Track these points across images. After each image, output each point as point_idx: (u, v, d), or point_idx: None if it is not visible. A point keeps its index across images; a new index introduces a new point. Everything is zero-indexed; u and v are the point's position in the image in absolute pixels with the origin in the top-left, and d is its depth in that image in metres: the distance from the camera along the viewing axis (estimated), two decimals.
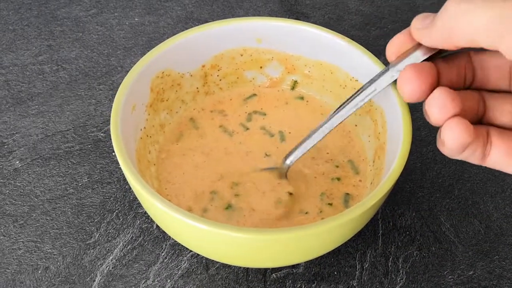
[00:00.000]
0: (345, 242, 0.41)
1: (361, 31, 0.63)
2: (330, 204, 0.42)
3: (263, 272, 0.43)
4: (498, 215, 0.47)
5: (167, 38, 0.45)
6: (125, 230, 0.45)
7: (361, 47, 0.45)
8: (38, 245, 0.44)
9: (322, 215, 0.41)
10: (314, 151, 0.45)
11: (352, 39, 0.46)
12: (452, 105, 0.31)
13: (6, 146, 0.50)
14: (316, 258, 0.43)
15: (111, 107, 0.41)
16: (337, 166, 0.45)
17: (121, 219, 0.46)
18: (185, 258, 0.43)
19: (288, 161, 0.42)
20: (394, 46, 0.36)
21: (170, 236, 0.44)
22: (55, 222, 0.45)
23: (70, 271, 0.42)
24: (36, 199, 0.47)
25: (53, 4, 0.65)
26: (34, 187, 0.48)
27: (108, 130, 0.52)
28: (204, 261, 0.43)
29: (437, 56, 0.36)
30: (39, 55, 0.59)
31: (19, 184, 0.48)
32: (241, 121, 0.48)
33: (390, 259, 0.44)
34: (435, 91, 0.32)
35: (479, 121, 0.36)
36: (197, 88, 0.48)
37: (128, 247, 0.44)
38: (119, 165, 0.49)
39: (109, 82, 0.56)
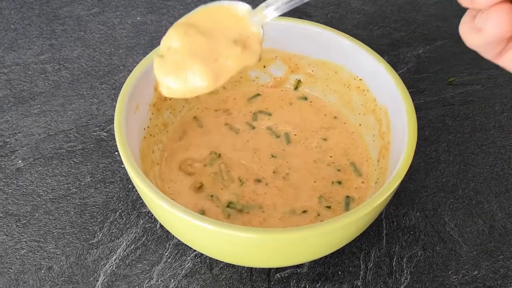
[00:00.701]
0: (349, 242, 0.41)
1: (364, 31, 0.63)
2: (329, 207, 0.42)
3: (267, 272, 0.42)
4: (502, 214, 0.47)
5: None
6: (129, 229, 0.45)
7: (365, 46, 0.45)
8: (41, 245, 0.44)
9: (321, 218, 0.41)
10: (317, 154, 0.45)
11: (355, 38, 0.46)
12: None
13: (8, 146, 0.50)
14: (320, 258, 0.43)
15: (114, 107, 0.40)
16: (339, 170, 0.45)
17: (124, 219, 0.45)
18: (189, 257, 0.43)
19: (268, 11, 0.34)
20: None
21: (173, 236, 0.44)
22: (58, 222, 0.45)
23: (73, 271, 0.42)
24: (39, 199, 0.46)
25: (55, 3, 0.65)
26: (36, 186, 0.47)
27: (111, 129, 0.52)
28: (208, 260, 0.43)
29: None
30: (41, 54, 0.59)
31: (21, 184, 0.47)
32: (246, 120, 0.48)
33: (395, 259, 0.44)
34: None
35: None
36: None
37: (132, 247, 0.44)
38: (122, 165, 0.49)
39: (111, 81, 0.56)
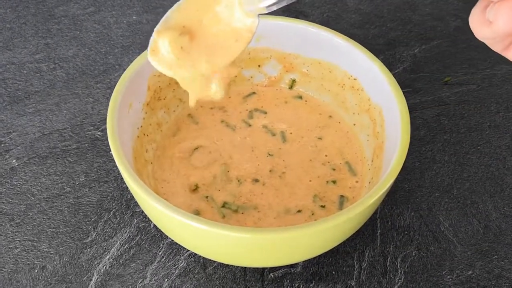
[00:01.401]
0: (343, 241, 0.41)
1: (360, 30, 0.63)
2: (323, 206, 0.42)
3: (261, 272, 0.42)
4: (497, 214, 0.47)
5: None
6: (122, 229, 0.45)
7: (360, 45, 0.45)
8: (35, 244, 0.44)
9: (315, 217, 0.41)
10: (313, 153, 0.45)
11: (351, 38, 0.46)
12: None
13: (2, 145, 0.50)
14: (314, 258, 0.43)
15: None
16: (334, 169, 0.44)
17: (118, 218, 0.45)
18: (183, 257, 0.43)
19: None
20: None
21: (167, 235, 0.43)
22: (52, 221, 0.45)
23: (66, 270, 0.42)
24: (33, 198, 0.46)
25: (51, 2, 0.65)
26: (31, 186, 0.47)
27: (106, 128, 0.51)
28: (201, 260, 0.43)
29: None
30: (36, 54, 0.59)
31: (15, 183, 0.47)
32: (242, 118, 0.48)
33: (389, 258, 0.44)
34: None
35: None
36: None
37: (125, 246, 0.44)
38: (116, 164, 0.49)
39: (106, 80, 0.56)
